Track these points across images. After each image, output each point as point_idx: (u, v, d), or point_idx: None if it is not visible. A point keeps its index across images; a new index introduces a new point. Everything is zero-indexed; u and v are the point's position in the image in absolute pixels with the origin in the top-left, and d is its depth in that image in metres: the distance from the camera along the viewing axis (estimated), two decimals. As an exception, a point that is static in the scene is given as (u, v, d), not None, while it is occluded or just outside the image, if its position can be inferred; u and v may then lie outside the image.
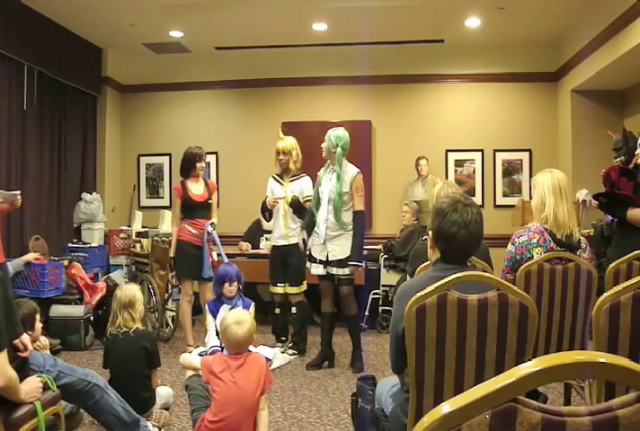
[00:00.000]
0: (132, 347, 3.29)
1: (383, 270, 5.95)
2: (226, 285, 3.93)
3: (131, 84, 7.76)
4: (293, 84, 7.48)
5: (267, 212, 5.02)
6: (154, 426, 3.11)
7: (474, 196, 7.05)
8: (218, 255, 4.92)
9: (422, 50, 7.22)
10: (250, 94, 7.61)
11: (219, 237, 4.86)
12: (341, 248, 4.39)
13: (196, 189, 4.91)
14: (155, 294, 5.39)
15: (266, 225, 5.64)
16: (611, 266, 2.63)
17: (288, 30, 6.76)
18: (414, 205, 6.18)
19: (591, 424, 0.71)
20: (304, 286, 4.97)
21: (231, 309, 3.60)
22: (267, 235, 5.77)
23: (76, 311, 5.16)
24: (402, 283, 2.34)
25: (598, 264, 4.46)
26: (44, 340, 2.98)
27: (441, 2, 5.93)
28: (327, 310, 4.61)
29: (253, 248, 6.24)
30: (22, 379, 2.12)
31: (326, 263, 4.45)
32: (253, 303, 4.05)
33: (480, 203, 7.03)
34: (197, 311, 5.32)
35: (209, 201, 4.93)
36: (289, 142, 4.98)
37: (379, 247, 6.14)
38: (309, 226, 4.61)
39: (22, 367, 2.21)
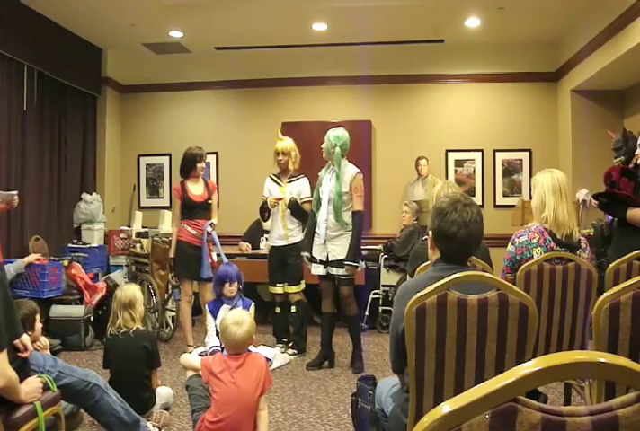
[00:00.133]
0: (132, 348, 3.29)
1: (383, 270, 5.95)
2: (227, 285, 3.93)
3: (131, 84, 7.76)
4: (293, 84, 7.48)
5: (267, 212, 5.03)
6: (154, 426, 3.11)
7: (474, 196, 7.05)
8: (218, 255, 4.92)
9: (421, 50, 7.22)
10: (250, 94, 7.61)
11: (219, 237, 4.86)
12: (341, 248, 4.39)
13: (195, 189, 4.91)
14: (155, 295, 5.39)
15: (266, 225, 5.64)
16: (611, 266, 2.63)
17: (288, 30, 6.76)
18: (414, 205, 6.18)
19: (591, 424, 0.71)
20: (302, 285, 4.99)
21: (231, 309, 3.60)
22: (267, 235, 5.78)
23: (76, 311, 5.15)
24: (402, 283, 2.34)
25: (598, 264, 4.46)
26: (44, 341, 2.98)
27: (441, 2, 5.93)
28: (327, 310, 4.61)
29: (253, 248, 6.25)
30: (22, 379, 2.12)
31: (327, 263, 4.45)
32: (253, 304, 4.05)
33: (480, 203, 7.03)
34: (197, 311, 5.32)
35: (209, 201, 4.93)
36: (288, 143, 4.99)
37: (379, 247, 6.15)
38: (311, 228, 4.59)
39: (22, 368, 2.21)
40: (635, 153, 3.61)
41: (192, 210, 4.86)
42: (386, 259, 5.96)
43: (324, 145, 4.49)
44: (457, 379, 1.73)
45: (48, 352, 2.95)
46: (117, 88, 7.70)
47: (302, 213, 4.96)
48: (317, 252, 4.50)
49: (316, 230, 4.51)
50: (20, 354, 2.20)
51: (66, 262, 5.50)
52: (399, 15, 6.25)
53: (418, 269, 2.53)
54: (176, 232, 4.91)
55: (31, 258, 5.11)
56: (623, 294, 1.62)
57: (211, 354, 3.43)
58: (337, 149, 4.41)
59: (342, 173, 4.42)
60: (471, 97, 7.35)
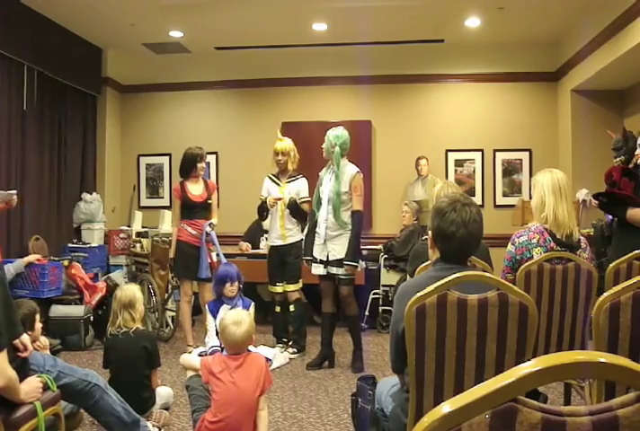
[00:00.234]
0: (132, 348, 3.29)
1: (383, 270, 5.95)
2: (228, 285, 3.93)
3: (131, 84, 7.76)
4: (293, 84, 7.48)
5: (265, 211, 5.03)
6: (154, 426, 3.11)
7: (474, 196, 7.05)
8: (217, 255, 4.92)
9: (421, 50, 7.22)
10: (250, 94, 7.61)
11: (219, 237, 4.86)
12: (341, 247, 4.39)
13: (195, 189, 4.91)
14: (155, 295, 5.39)
15: (266, 225, 5.65)
16: (611, 266, 2.63)
17: (288, 30, 6.76)
18: (414, 205, 6.18)
19: (591, 424, 0.71)
20: (300, 284, 5.00)
21: (231, 309, 3.60)
22: (267, 235, 5.78)
23: (76, 311, 5.16)
24: (402, 283, 2.34)
25: (598, 264, 4.46)
26: (44, 340, 2.98)
27: (441, 2, 5.93)
28: (327, 310, 4.61)
29: (253, 248, 6.25)
30: (21, 379, 2.12)
31: (327, 263, 4.45)
32: (252, 303, 4.05)
33: (480, 203, 7.03)
34: (197, 311, 5.32)
35: (209, 201, 4.92)
36: (287, 143, 5.00)
37: (379, 247, 6.15)
38: (311, 228, 4.60)
39: (22, 367, 2.21)
40: (635, 152, 3.61)
41: (192, 210, 4.86)
42: (386, 258, 5.97)
43: (324, 145, 4.49)
44: (457, 379, 1.73)
45: (48, 352, 2.95)
46: (117, 88, 7.70)
47: (301, 213, 4.97)
48: (318, 252, 4.50)
49: (317, 230, 4.51)
50: (20, 354, 2.20)
51: (66, 262, 5.50)
52: (399, 15, 6.25)
53: (418, 269, 2.53)
54: (176, 232, 4.91)
55: (32, 258, 5.11)
56: (623, 294, 1.62)
57: (211, 354, 3.43)
58: (337, 148, 4.41)
59: (342, 173, 4.42)
60: (471, 97, 7.35)
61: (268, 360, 3.70)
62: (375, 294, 5.95)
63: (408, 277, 3.16)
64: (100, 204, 7.01)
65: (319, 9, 6.13)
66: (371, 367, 4.52)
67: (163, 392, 3.45)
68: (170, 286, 5.57)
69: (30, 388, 2.16)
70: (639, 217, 3.22)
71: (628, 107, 6.54)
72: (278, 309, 5.09)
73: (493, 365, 1.72)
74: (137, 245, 6.02)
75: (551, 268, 2.64)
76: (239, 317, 2.65)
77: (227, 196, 7.05)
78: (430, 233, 1.95)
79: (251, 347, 2.77)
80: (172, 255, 4.95)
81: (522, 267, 2.67)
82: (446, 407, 0.71)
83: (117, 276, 5.96)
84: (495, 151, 7.26)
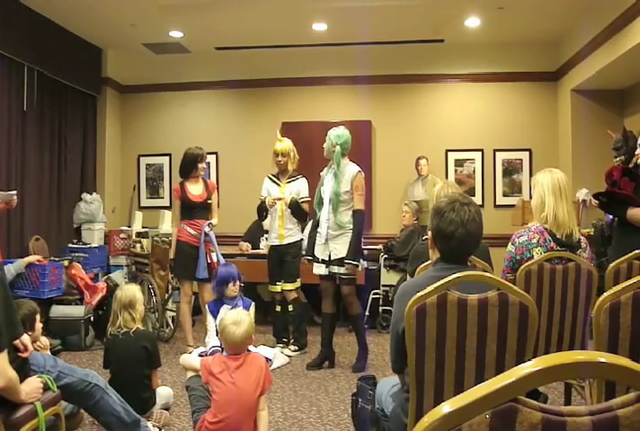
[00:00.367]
0: (132, 348, 3.29)
1: (383, 270, 5.95)
2: (230, 285, 3.93)
3: (131, 85, 7.76)
4: (293, 84, 7.48)
5: (265, 211, 5.04)
6: (154, 426, 3.11)
7: (474, 196, 7.05)
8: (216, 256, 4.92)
9: (421, 50, 7.22)
10: (250, 94, 7.61)
11: (219, 237, 4.86)
12: (342, 246, 4.39)
13: (195, 189, 4.91)
14: (155, 295, 5.38)
15: (266, 225, 5.66)
16: (611, 265, 2.63)
17: (288, 30, 6.76)
18: (414, 205, 6.18)
19: (591, 424, 0.71)
20: (298, 283, 5.01)
21: (232, 309, 3.60)
22: (267, 235, 5.78)
23: (77, 311, 5.16)
24: (402, 283, 2.34)
25: (598, 264, 4.46)
26: (44, 341, 2.98)
27: (441, 2, 5.93)
28: (328, 311, 4.61)
29: (253, 248, 6.25)
30: (22, 379, 2.12)
31: (329, 262, 4.45)
32: (253, 303, 4.05)
33: (480, 203, 7.03)
34: (197, 311, 5.32)
35: (209, 201, 4.92)
36: (287, 144, 5.01)
37: (379, 247, 6.15)
38: (313, 228, 4.59)
39: (23, 368, 2.21)
40: (636, 152, 3.61)
41: (192, 210, 4.86)
42: (386, 259, 5.97)
43: (325, 145, 4.49)
44: (458, 379, 1.73)
45: (49, 352, 2.95)
46: (117, 88, 7.70)
47: (302, 213, 4.98)
48: (319, 252, 4.49)
49: (318, 229, 4.51)
50: (20, 354, 2.20)
51: (66, 262, 5.50)
52: (399, 15, 6.25)
53: (418, 269, 2.53)
54: (176, 232, 4.91)
55: (32, 258, 5.11)
56: (623, 293, 1.62)
57: (211, 354, 3.43)
58: (337, 148, 4.41)
59: (343, 172, 4.42)
60: (471, 97, 7.35)
61: (268, 360, 3.70)
62: (375, 294, 5.95)
63: (408, 277, 3.16)
64: (100, 204, 7.02)
65: (319, 9, 6.13)
66: (371, 367, 4.52)
67: (163, 393, 3.45)
68: (170, 287, 5.57)
69: (30, 388, 2.16)
70: (639, 217, 3.22)
71: (628, 107, 6.54)
72: (278, 308, 5.10)
73: (493, 365, 1.72)
74: (138, 245, 6.02)
75: (551, 267, 2.64)
76: (239, 317, 2.65)
77: (227, 196, 7.05)
78: (429, 233, 1.95)
79: (251, 347, 2.77)
80: (172, 255, 4.95)
81: (522, 267, 2.67)
82: (446, 407, 0.71)
83: (117, 276, 5.96)
84: (495, 151, 7.26)
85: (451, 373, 1.73)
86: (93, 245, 6.51)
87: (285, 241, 4.97)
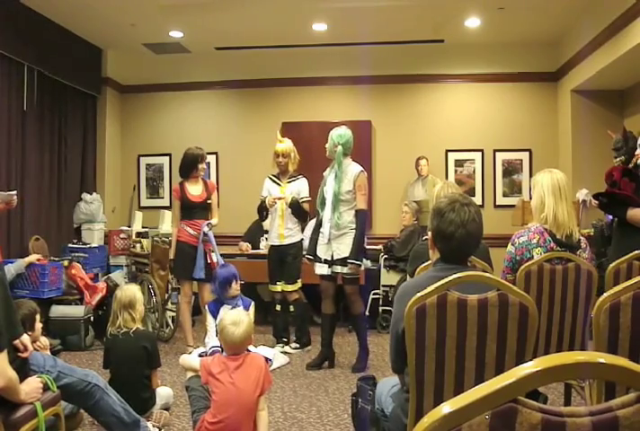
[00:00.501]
0: (132, 348, 3.29)
1: (383, 270, 5.96)
2: (233, 284, 3.93)
3: (131, 85, 7.76)
4: (293, 84, 7.48)
5: (265, 211, 5.04)
6: (154, 426, 3.11)
7: (474, 196, 7.05)
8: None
9: (422, 50, 7.22)
10: (250, 94, 7.61)
11: (219, 237, 4.86)
12: (345, 246, 4.38)
13: (194, 189, 4.91)
14: (155, 295, 5.38)
15: (266, 225, 5.67)
16: (611, 266, 2.63)
17: (288, 30, 6.76)
18: (414, 205, 6.18)
19: (591, 424, 0.71)
20: (299, 284, 5.02)
21: (232, 309, 3.60)
22: (267, 235, 5.79)
23: (76, 311, 5.16)
24: (402, 283, 2.34)
25: (598, 264, 4.46)
26: (44, 341, 2.98)
27: (441, 2, 5.93)
28: (327, 311, 4.60)
29: (253, 248, 6.25)
30: (22, 379, 2.12)
31: (331, 262, 4.44)
32: (252, 303, 4.05)
33: (480, 203, 7.03)
34: (197, 311, 5.32)
35: (208, 201, 4.92)
36: (288, 145, 5.01)
37: (379, 247, 6.14)
38: (316, 228, 4.59)
39: (22, 368, 2.21)
40: (636, 153, 3.61)
41: (192, 210, 4.86)
42: (386, 259, 5.97)
43: (327, 145, 4.49)
44: (457, 379, 1.73)
45: (49, 352, 2.95)
46: (117, 88, 7.70)
47: (302, 212, 4.98)
48: (322, 252, 4.48)
49: (321, 229, 4.50)
50: (20, 354, 2.20)
51: (66, 262, 5.51)
52: (399, 15, 6.25)
53: (418, 269, 2.53)
54: (176, 232, 4.91)
55: (32, 258, 5.11)
56: (623, 294, 1.62)
57: (211, 354, 3.43)
58: (339, 148, 4.41)
59: (346, 172, 4.41)
60: (471, 97, 7.35)
61: (268, 360, 3.70)
62: (375, 294, 5.95)
63: (408, 277, 3.16)
64: (100, 204, 7.01)
65: (319, 9, 6.13)
66: (371, 367, 4.52)
67: (163, 393, 3.45)
68: (170, 287, 5.56)
69: (30, 388, 2.16)
70: (639, 218, 3.22)
71: (628, 107, 6.54)
72: (278, 308, 5.11)
73: (493, 365, 1.72)
74: (138, 245, 6.02)
75: (551, 268, 2.64)
76: (238, 317, 2.65)
77: (227, 196, 7.05)
78: (429, 233, 1.95)
79: (251, 347, 2.77)
80: (172, 256, 4.95)
81: (522, 267, 2.67)
82: (446, 407, 0.71)
83: (117, 276, 5.96)
84: (495, 151, 7.26)
85: (451, 373, 1.73)
86: (93, 245, 6.51)
87: (285, 241, 4.98)
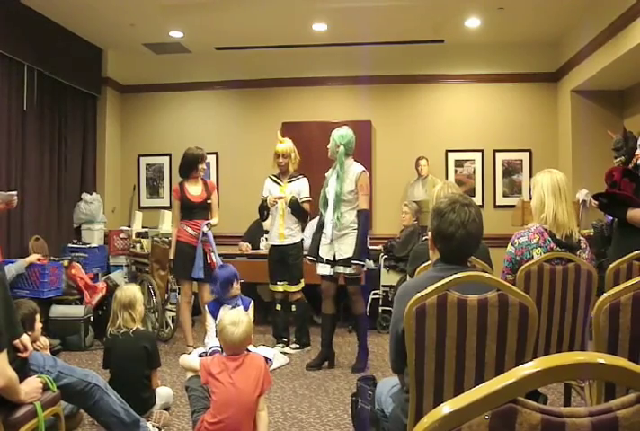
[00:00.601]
0: (132, 348, 3.29)
1: (383, 270, 5.95)
2: (234, 283, 3.93)
3: (131, 85, 7.76)
4: (293, 85, 7.48)
5: (266, 211, 5.04)
6: (154, 426, 3.11)
7: (474, 196, 7.05)
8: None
9: (422, 50, 7.22)
10: (250, 94, 7.61)
11: (219, 237, 4.86)
12: (347, 246, 4.38)
13: (194, 189, 4.90)
14: (154, 295, 5.38)
15: (267, 225, 5.67)
16: (611, 266, 2.63)
17: (288, 30, 6.76)
18: (414, 205, 6.18)
19: (590, 425, 0.71)
20: (302, 284, 5.02)
21: (232, 309, 3.60)
22: (267, 235, 5.79)
23: (76, 311, 5.15)
24: (402, 283, 2.34)
25: (598, 264, 4.46)
26: (44, 341, 2.98)
27: (441, 2, 5.93)
28: (328, 312, 4.59)
29: (253, 248, 6.25)
30: (21, 379, 2.12)
31: (334, 262, 4.44)
32: (252, 302, 4.05)
33: (480, 203, 7.03)
34: (197, 311, 5.32)
35: (208, 201, 4.92)
36: (288, 145, 5.01)
37: (379, 247, 6.14)
38: (318, 229, 4.58)
39: (22, 368, 2.21)
40: (636, 153, 3.61)
41: (191, 211, 4.86)
42: (386, 259, 5.97)
43: (329, 145, 4.49)
44: (457, 379, 1.73)
45: (48, 352, 2.95)
46: (117, 88, 7.70)
47: (302, 212, 4.98)
48: (324, 252, 4.48)
49: (323, 230, 4.50)
50: (20, 354, 2.20)
51: (66, 262, 5.50)
52: (399, 15, 6.25)
53: (418, 270, 2.53)
54: (176, 233, 4.91)
55: (33, 258, 5.11)
56: (623, 294, 1.62)
57: (211, 354, 3.43)
58: (341, 148, 4.40)
59: (347, 172, 4.41)
60: (471, 97, 7.35)
61: (268, 360, 3.70)
62: (375, 294, 5.95)
63: (408, 277, 3.16)
64: (100, 204, 7.01)
65: (319, 9, 6.13)
66: (371, 367, 4.51)
67: (163, 393, 3.45)
68: (169, 288, 5.56)
69: (30, 388, 2.16)
70: (639, 218, 3.22)
71: (628, 107, 6.53)
72: (278, 307, 5.11)
73: (493, 365, 1.72)
74: (138, 245, 6.02)
75: (551, 268, 2.64)
76: (237, 317, 2.65)
77: (227, 196, 7.05)
78: (429, 233, 1.95)
79: (250, 347, 2.77)
80: (171, 256, 4.94)
81: (522, 267, 2.67)
82: (446, 407, 0.71)
83: (117, 276, 5.96)
84: (495, 151, 7.26)
85: (451, 373, 1.73)
86: (93, 245, 6.51)
87: (286, 241, 4.98)
